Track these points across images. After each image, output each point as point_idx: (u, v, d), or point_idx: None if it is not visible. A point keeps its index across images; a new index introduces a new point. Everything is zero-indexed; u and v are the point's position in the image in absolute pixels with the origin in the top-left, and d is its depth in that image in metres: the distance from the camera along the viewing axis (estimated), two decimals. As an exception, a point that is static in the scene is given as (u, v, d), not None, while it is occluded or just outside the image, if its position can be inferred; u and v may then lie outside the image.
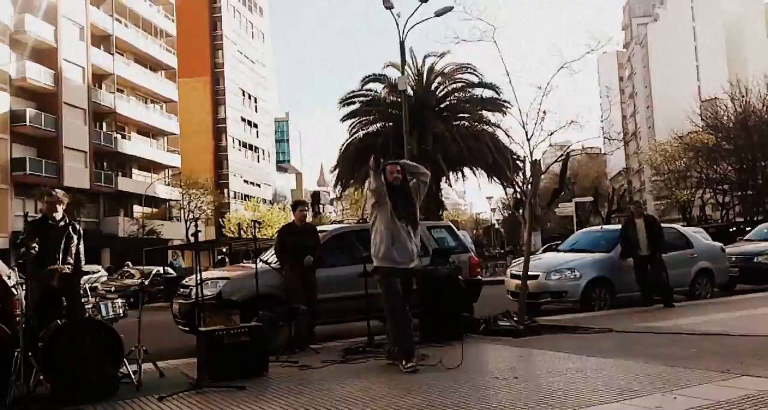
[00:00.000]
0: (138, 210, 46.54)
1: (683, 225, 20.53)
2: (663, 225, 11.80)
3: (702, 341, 6.76)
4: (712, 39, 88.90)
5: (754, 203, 45.64)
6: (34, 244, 5.37)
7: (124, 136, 46.95)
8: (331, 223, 31.80)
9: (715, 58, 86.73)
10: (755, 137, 42.53)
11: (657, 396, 4.34)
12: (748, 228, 23.79)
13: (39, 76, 38.13)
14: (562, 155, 13.15)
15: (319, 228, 9.22)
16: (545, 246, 23.98)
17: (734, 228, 32.77)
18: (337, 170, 31.75)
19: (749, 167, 44.53)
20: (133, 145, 47.68)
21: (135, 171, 48.76)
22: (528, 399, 4.43)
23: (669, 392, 4.44)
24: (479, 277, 10.50)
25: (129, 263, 28.23)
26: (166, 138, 52.85)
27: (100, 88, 44.29)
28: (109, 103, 44.39)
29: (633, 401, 4.26)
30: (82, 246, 6.16)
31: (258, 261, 8.38)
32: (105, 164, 44.55)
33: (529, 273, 9.21)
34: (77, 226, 6.20)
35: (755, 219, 40.98)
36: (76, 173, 40.06)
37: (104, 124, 44.89)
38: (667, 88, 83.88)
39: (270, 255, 9.21)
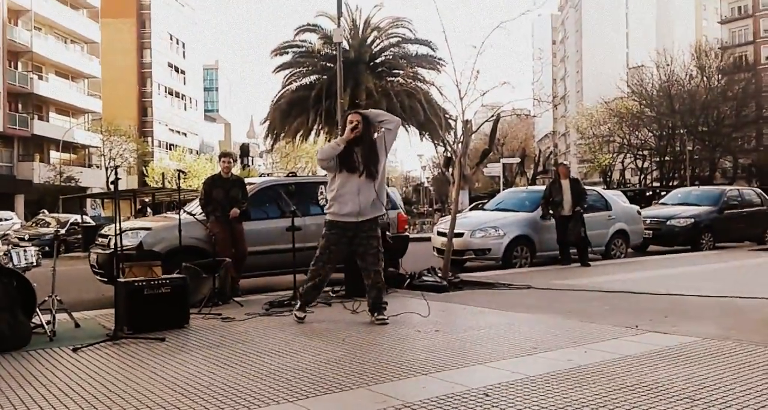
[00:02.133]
0: (55, 155, 44.43)
1: (603, 189, 21.31)
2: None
3: (615, 299, 7.07)
4: (643, 8, 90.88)
5: (671, 169, 47.82)
6: None
7: (41, 77, 44.37)
8: (260, 176, 31.37)
9: (645, 27, 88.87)
10: (676, 105, 44.26)
11: (569, 350, 4.52)
12: (663, 193, 24.95)
13: (-53, 9, 35.44)
14: (492, 116, 13.29)
15: (247, 180, 9.04)
16: (472, 205, 24.41)
17: (651, 193, 34.33)
18: (267, 122, 31.19)
19: (669, 134, 46.44)
20: (51, 87, 45.14)
21: (52, 114, 46.30)
22: (447, 352, 4.53)
23: (580, 346, 4.64)
24: (407, 234, 10.61)
25: (44, 211, 27.11)
26: (86, 81, 50.24)
27: (16, 25, 41.51)
28: (25, 42, 41.69)
29: (546, 354, 4.43)
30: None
31: (182, 212, 8.18)
32: (20, 106, 42.15)
33: (455, 231, 9.37)
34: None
35: (671, 184, 43.05)
36: (-12, 114, 37.82)
37: (19, 64, 42.29)
38: (597, 54, 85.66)
39: (195, 207, 9.00)
